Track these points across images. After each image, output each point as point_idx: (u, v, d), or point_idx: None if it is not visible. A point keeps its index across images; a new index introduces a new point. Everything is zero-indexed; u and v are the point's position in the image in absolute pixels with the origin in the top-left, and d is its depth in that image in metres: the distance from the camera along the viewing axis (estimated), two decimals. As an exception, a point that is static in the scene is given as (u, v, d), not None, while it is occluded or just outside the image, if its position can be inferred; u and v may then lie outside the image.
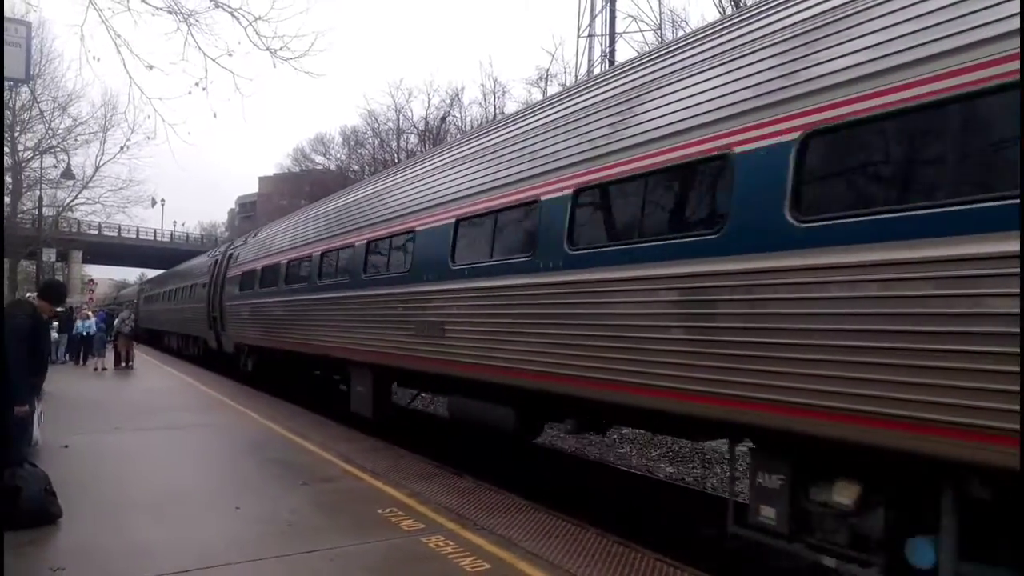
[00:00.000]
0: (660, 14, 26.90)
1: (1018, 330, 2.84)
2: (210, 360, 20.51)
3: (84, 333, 20.88)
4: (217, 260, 19.34)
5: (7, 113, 25.92)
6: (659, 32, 26.03)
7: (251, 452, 8.35)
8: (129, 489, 6.37)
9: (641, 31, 27.40)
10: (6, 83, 11.40)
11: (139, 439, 9.05)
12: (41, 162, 29.42)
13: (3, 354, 5.21)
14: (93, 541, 4.93)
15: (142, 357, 23.19)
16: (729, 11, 18.34)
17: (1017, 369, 2.84)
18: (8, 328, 5.39)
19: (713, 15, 21.27)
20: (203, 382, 16.54)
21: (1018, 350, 2.84)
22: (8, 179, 28.42)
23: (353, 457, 7.85)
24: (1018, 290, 2.84)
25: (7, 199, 27.66)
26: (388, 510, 5.71)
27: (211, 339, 19.22)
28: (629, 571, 4.45)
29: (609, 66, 26.04)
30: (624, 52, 30.28)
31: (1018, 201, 2.88)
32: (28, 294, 25.29)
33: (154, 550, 4.70)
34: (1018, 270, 2.84)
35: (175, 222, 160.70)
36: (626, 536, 5.23)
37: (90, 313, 22.30)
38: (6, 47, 7.77)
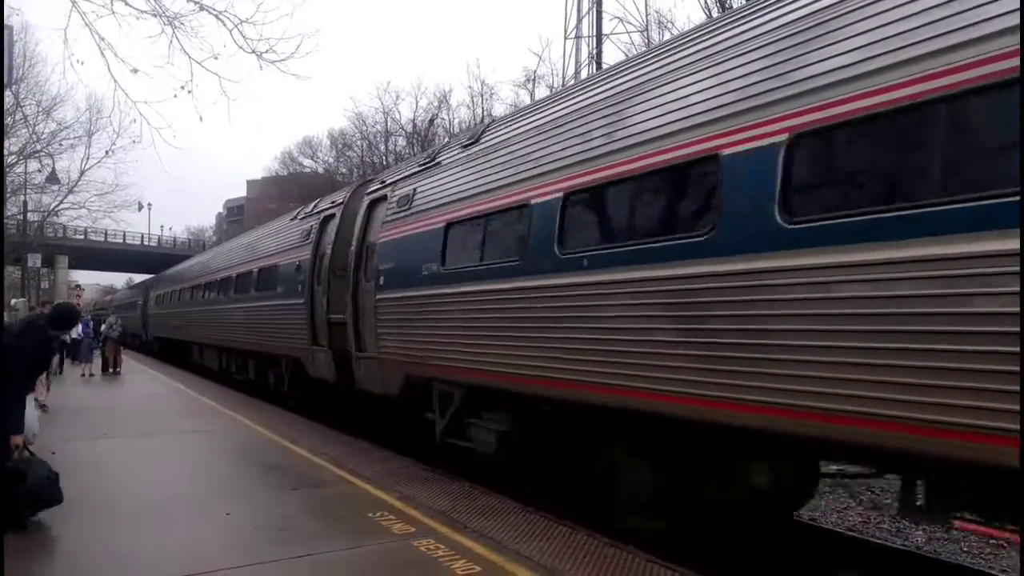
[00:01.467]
0: (647, 15, 27.03)
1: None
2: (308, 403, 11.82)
3: (69, 339, 20.61)
4: (332, 216, 10.75)
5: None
6: (645, 33, 26.15)
7: (241, 457, 8.30)
8: (118, 496, 6.32)
9: (628, 32, 27.51)
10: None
11: (128, 445, 8.99)
12: (25, 167, 29.18)
13: (12, 367, 5.29)
14: (81, 548, 4.90)
15: (135, 365, 23.00)
16: (716, 13, 18.42)
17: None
18: (26, 351, 5.50)
19: (699, 16, 21.38)
20: (192, 387, 16.42)
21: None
22: (-7, 183, 28.12)
23: (344, 461, 7.81)
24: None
25: (-8, 203, 27.42)
26: (379, 514, 5.70)
27: (315, 363, 10.77)
28: (620, 572, 4.46)
29: (597, 68, 26.10)
30: (611, 53, 30.40)
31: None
32: (13, 300, 25.02)
33: (143, 557, 4.67)
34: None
35: (162, 226, 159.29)
36: (617, 537, 5.23)
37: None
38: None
